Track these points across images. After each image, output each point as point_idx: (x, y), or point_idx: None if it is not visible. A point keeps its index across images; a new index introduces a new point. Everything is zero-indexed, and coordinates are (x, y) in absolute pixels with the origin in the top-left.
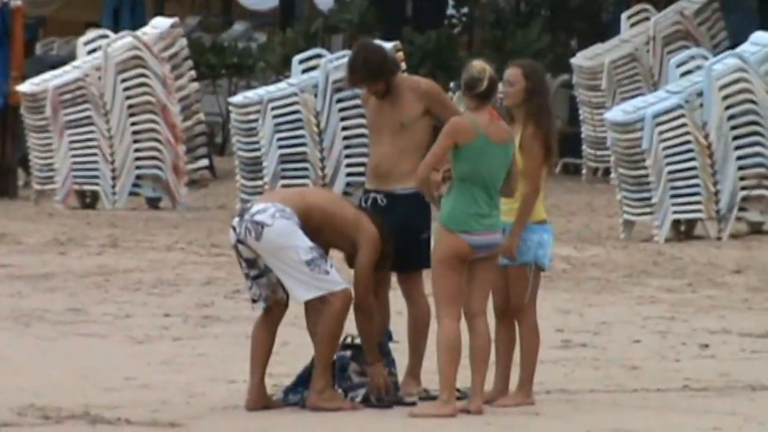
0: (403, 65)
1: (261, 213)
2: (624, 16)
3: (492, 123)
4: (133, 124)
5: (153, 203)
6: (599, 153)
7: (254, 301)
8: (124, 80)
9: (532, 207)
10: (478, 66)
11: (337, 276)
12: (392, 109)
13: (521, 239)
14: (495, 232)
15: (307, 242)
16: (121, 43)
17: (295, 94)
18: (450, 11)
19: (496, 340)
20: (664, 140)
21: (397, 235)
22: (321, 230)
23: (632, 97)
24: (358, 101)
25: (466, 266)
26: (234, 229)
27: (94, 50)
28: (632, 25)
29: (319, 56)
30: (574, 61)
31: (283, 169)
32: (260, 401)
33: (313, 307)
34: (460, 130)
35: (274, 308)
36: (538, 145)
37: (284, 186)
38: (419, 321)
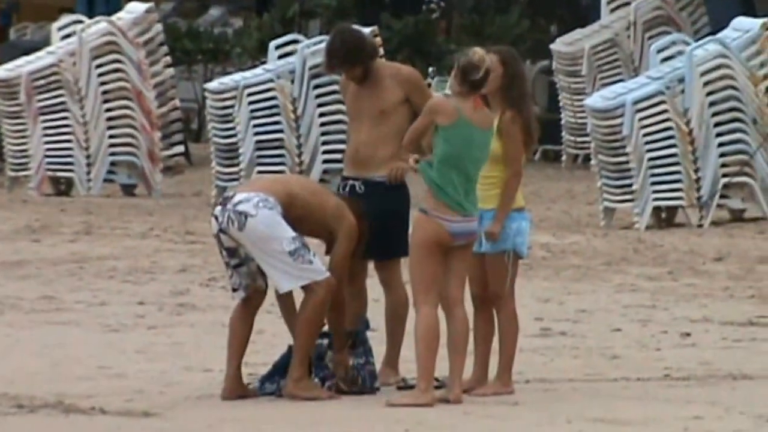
0: (381, 51)
1: (244, 203)
2: (604, 1)
3: (476, 110)
4: (108, 110)
5: (128, 190)
6: (579, 139)
7: (234, 290)
8: (98, 66)
9: (514, 191)
10: (480, 53)
11: (320, 264)
12: (372, 96)
13: None
14: (473, 220)
15: (290, 232)
16: (95, 28)
17: (272, 80)
18: None
19: (474, 329)
20: (645, 127)
21: (375, 222)
22: (302, 220)
23: (613, 83)
24: (335, 87)
25: (443, 254)
26: (216, 218)
27: (68, 35)
28: (612, 10)
29: (295, 42)
30: (553, 46)
31: (260, 156)
32: (236, 390)
33: (287, 296)
34: (440, 110)
35: (253, 296)
36: (518, 130)
37: (260, 173)
38: (397, 309)
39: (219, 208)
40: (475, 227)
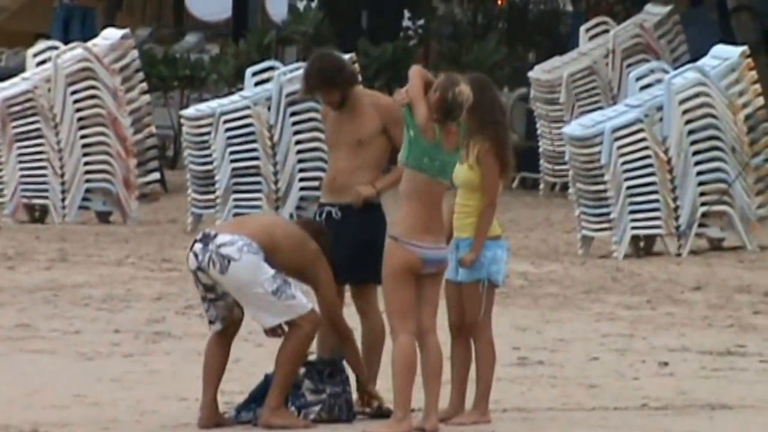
0: (359, 78)
1: (228, 246)
2: (582, 28)
3: (448, 136)
4: (83, 137)
5: (103, 217)
6: (557, 168)
7: (211, 322)
8: (74, 92)
9: (489, 220)
10: (465, 93)
11: (303, 298)
12: (350, 125)
13: None
14: (443, 248)
15: (270, 271)
16: (71, 54)
17: (248, 107)
18: (406, 23)
19: (451, 357)
20: (623, 155)
21: (352, 248)
22: (283, 267)
23: (591, 110)
24: (312, 114)
25: (416, 281)
26: (196, 255)
27: (43, 62)
28: (591, 37)
29: (272, 68)
30: (531, 74)
31: (236, 183)
32: (212, 419)
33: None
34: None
35: (230, 326)
36: (494, 160)
37: (236, 200)
38: (373, 337)
39: (199, 245)
40: (446, 255)
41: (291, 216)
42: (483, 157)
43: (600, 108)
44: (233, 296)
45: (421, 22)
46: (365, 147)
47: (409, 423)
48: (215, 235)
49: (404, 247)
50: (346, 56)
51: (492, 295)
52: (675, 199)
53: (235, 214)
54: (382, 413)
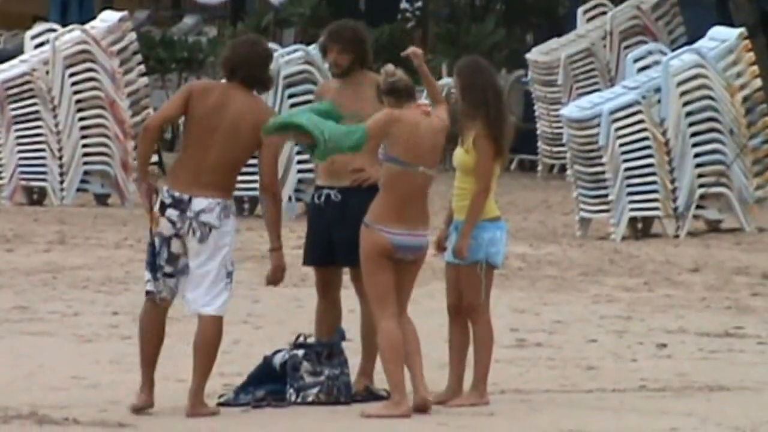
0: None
1: (207, 213)
2: (580, 10)
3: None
4: (82, 119)
5: (101, 200)
6: (555, 149)
7: (149, 293)
8: (72, 75)
9: (481, 206)
10: (388, 69)
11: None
12: (351, 104)
13: (472, 237)
14: (420, 235)
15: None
16: (69, 36)
17: None
18: (403, 5)
19: (449, 340)
20: (621, 137)
21: (352, 230)
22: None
23: (589, 92)
24: (310, 96)
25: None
26: (173, 223)
27: (41, 44)
28: (589, 19)
29: None
30: (529, 56)
31: None
32: (151, 399)
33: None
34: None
35: (163, 303)
36: (485, 143)
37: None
38: (372, 319)
39: (175, 212)
40: (423, 243)
41: (290, 199)
42: (477, 142)
43: (598, 90)
44: (194, 264)
45: (418, 3)
46: None
47: (407, 405)
48: (189, 200)
49: (374, 232)
50: None
51: (491, 276)
52: (673, 181)
53: (234, 198)
54: (371, 392)
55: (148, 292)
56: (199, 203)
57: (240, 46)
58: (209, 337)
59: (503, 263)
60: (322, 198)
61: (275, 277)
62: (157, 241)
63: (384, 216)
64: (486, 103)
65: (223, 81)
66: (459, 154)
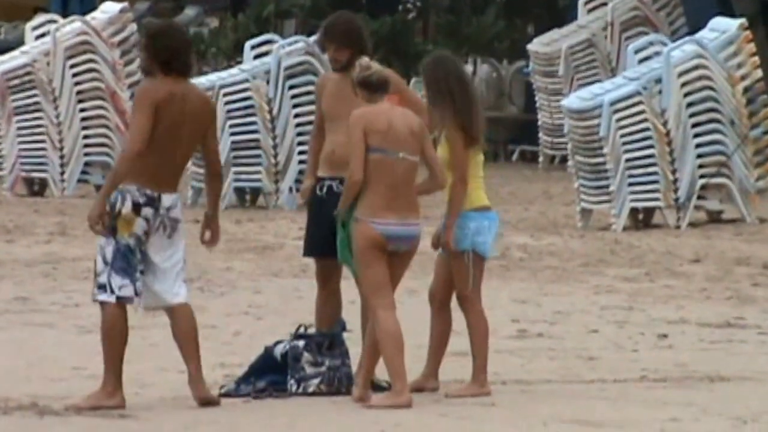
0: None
1: (175, 208)
2: (581, 1)
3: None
4: (82, 110)
5: None
6: (556, 140)
7: (124, 298)
8: (72, 66)
9: (460, 197)
10: (363, 62)
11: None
12: (352, 96)
13: (458, 227)
14: (411, 224)
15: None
16: (69, 28)
17: (247, 81)
18: None
19: (430, 328)
20: (622, 127)
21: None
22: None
23: (590, 83)
24: (310, 88)
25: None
26: (147, 221)
27: (42, 35)
28: (590, 10)
29: (271, 42)
30: (530, 47)
31: (235, 157)
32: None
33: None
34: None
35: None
36: (453, 132)
37: (236, 173)
38: None
39: (150, 210)
40: (414, 233)
41: (290, 190)
42: (447, 133)
43: (599, 81)
44: (158, 259)
45: None
46: None
47: (408, 395)
48: (159, 197)
49: (366, 225)
50: None
51: (479, 266)
52: (674, 172)
53: (236, 188)
54: (379, 387)
55: (121, 298)
56: (167, 199)
57: (170, 33)
58: (193, 324)
59: (501, 253)
60: (324, 189)
61: (215, 241)
62: (132, 242)
63: (373, 207)
64: (450, 92)
65: (151, 76)
66: (438, 148)
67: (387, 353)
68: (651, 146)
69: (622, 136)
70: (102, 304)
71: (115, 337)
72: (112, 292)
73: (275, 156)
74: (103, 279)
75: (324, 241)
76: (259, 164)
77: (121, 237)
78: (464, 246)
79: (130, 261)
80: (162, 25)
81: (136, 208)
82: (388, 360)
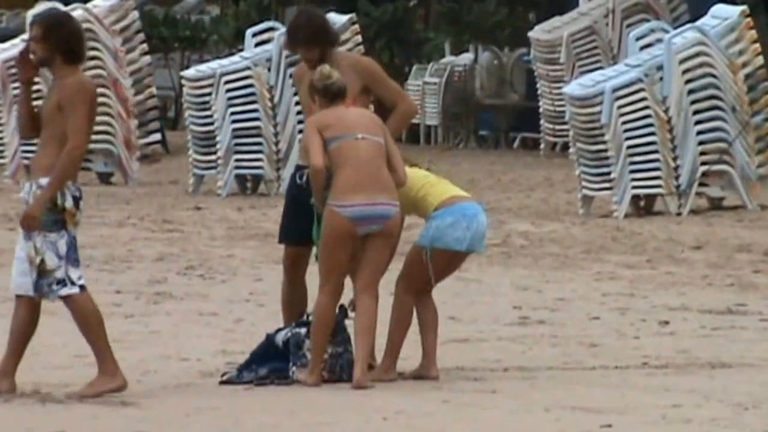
0: (359, 38)
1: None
2: None
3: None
4: None
5: (104, 178)
6: (558, 127)
7: (83, 287)
8: None
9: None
10: (324, 70)
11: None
12: None
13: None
14: (381, 203)
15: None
16: None
17: (249, 68)
18: None
19: (417, 317)
20: (624, 114)
21: None
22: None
23: (591, 70)
24: None
25: (357, 243)
26: (80, 214)
27: None
28: None
29: (272, 29)
30: (532, 34)
31: (237, 144)
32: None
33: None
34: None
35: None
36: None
37: (237, 161)
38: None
39: (81, 204)
40: (385, 211)
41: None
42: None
43: (600, 68)
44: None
45: None
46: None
47: (317, 376)
48: (81, 190)
49: (334, 212)
50: (345, 17)
51: (414, 255)
52: (675, 159)
53: (237, 176)
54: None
55: (83, 287)
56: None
57: (70, 22)
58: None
59: (503, 240)
60: (304, 178)
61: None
62: (76, 234)
63: (340, 191)
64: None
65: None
66: None
67: (313, 336)
68: (652, 133)
69: (624, 123)
70: (67, 298)
71: (95, 322)
72: (73, 284)
73: (276, 143)
74: (60, 274)
75: (298, 229)
76: (260, 152)
77: (71, 230)
78: (422, 243)
79: (78, 252)
80: (60, 14)
81: (76, 202)
82: (312, 341)
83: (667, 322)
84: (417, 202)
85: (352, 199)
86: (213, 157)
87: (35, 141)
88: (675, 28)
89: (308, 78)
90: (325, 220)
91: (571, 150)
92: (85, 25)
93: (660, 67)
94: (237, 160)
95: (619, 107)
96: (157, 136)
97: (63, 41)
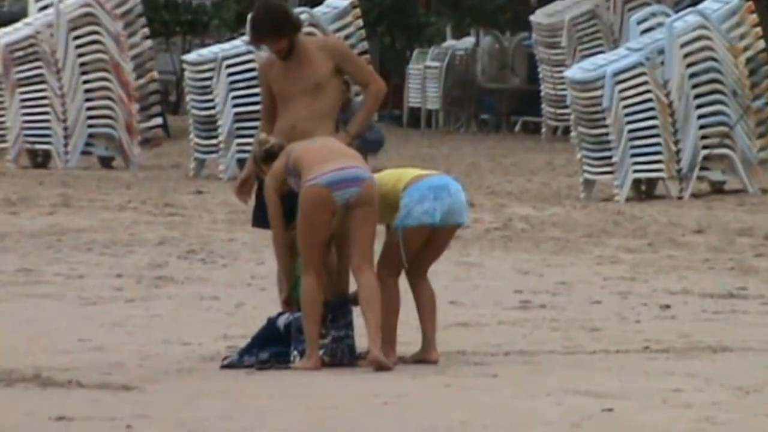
0: (360, 23)
1: None
2: None
3: None
4: (86, 82)
5: (106, 162)
6: (559, 111)
7: None
8: (76, 37)
9: None
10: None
11: None
12: (303, 71)
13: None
14: (352, 167)
15: None
16: (73, 0)
17: (250, 52)
18: None
19: (414, 300)
20: (625, 98)
21: None
22: None
23: (592, 54)
24: None
25: (336, 217)
26: None
27: (45, 7)
28: None
29: None
30: (533, 18)
31: (239, 128)
32: None
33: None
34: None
35: None
36: None
37: (239, 145)
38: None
39: None
40: (360, 174)
41: None
42: None
43: (601, 52)
44: None
45: None
46: (322, 90)
47: (317, 358)
48: None
49: (307, 186)
50: (345, 1)
51: (389, 238)
52: (676, 143)
53: (238, 160)
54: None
55: None
56: None
57: None
58: None
59: (503, 224)
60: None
61: None
62: None
63: (308, 168)
64: None
65: None
66: None
67: (305, 319)
68: (654, 117)
69: (625, 107)
70: None
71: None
72: None
73: None
74: None
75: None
76: None
77: None
78: (394, 224)
79: None
80: None
81: None
82: (304, 321)
83: (668, 306)
84: (390, 195)
85: (321, 169)
86: (214, 141)
87: (39, 125)
88: (676, 12)
89: (276, 72)
90: (300, 198)
91: (572, 134)
92: (86, 10)
93: (661, 51)
94: (239, 144)
95: (621, 91)
96: (159, 121)
97: None
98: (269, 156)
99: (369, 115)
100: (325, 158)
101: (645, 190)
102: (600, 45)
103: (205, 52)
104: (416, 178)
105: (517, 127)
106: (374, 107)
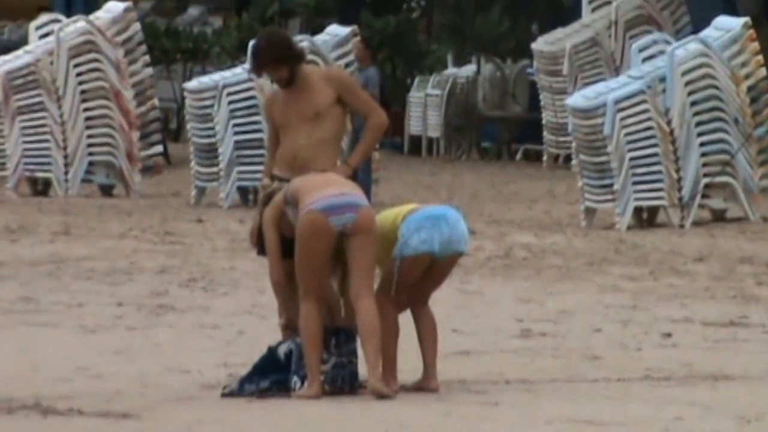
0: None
1: None
2: (585, 0)
3: None
4: (86, 109)
5: (106, 190)
6: (560, 139)
7: None
8: (76, 65)
9: None
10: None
11: None
12: (304, 100)
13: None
14: (347, 194)
15: None
16: (73, 27)
17: (251, 80)
18: None
19: (415, 328)
20: (626, 126)
21: None
22: None
23: (594, 82)
24: None
25: (327, 246)
26: None
27: (46, 35)
28: (594, 9)
29: None
30: (534, 46)
31: (239, 156)
32: None
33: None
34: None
35: None
36: None
37: (240, 173)
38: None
39: None
40: (356, 200)
41: None
42: None
43: (603, 79)
44: None
45: None
46: (324, 119)
47: (317, 387)
48: None
49: (304, 213)
50: (347, 29)
51: (387, 266)
52: (678, 171)
53: (239, 188)
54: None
55: None
56: None
57: None
58: None
59: (505, 252)
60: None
61: None
62: None
63: (306, 194)
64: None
65: None
66: None
67: (303, 344)
68: (655, 145)
69: (626, 134)
70: None
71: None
72: None
73: None
74: None
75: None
76: (262, 163)
77: None
78: (393, 254)
79: None
80: None
81: None
82: (304, 350)
83: (669, 335)
84: (390, 234)
85: (318, 195)
86: (215, 169)
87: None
88: (677, 39)
89: (278, 104)
90: (297, 224)
91: (573, 162)
92: (87, 37)
93: (663, 79)
94: (239, 172)
95: (622, 119)
96: (159, 148)
97: None
98: (271, 199)
99: (370, 148)
100: (322, 186)
101: (646, 218)
102: (601, 73)
103: (206, 79)
104: (413, 210)
105: (519, 155)
106: (375, 140)
